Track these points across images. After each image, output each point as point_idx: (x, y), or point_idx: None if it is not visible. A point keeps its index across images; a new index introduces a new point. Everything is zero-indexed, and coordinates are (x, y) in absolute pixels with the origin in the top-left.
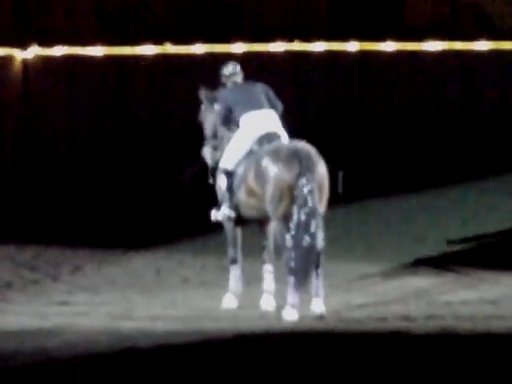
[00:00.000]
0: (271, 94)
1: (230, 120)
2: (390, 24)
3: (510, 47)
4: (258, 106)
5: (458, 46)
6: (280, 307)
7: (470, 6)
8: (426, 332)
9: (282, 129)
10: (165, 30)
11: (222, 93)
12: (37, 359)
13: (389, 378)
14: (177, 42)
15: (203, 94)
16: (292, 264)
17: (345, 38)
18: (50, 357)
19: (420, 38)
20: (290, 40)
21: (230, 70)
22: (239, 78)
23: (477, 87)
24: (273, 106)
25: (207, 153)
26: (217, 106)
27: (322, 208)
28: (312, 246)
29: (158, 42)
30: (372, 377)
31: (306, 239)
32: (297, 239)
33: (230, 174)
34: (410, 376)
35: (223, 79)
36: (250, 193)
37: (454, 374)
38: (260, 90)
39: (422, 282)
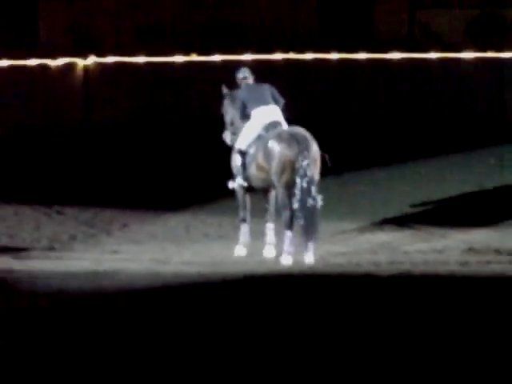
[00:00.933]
0: (275, 92)
1: (245, 113)
2: (362, 38)
3: (455, 56)
4: (266, 103)
5: (414, 55)
6: (278, 255)
7: (424, 25)
8: (389, 274)
9: (283, 119)
10: (191, 44)
11: (238, 93)
12: (95, 295)
13: (362, 308)
14: (200, 53)
15: (224, 91)
16: (301, 222)
17: (328, 49)
18: (104, 293)
19: (385, 49)
20: (286, 51)
21: (243, 73)
22: (251, 80)
23: (427, 86)
24: (276, 102)
25: (227, 136)
26: (235, 103)
27: (317, 177)
28: (314, 206)
29: (186, 53)
30: (349, 308)
31: (310, 201)
32: (302, 202)
33: (243, 153)
34: (377, 307)
35: (238, 80)
36: (259, 168)
37: (410, 306)
38: (267, 89)
39: (388, 236)
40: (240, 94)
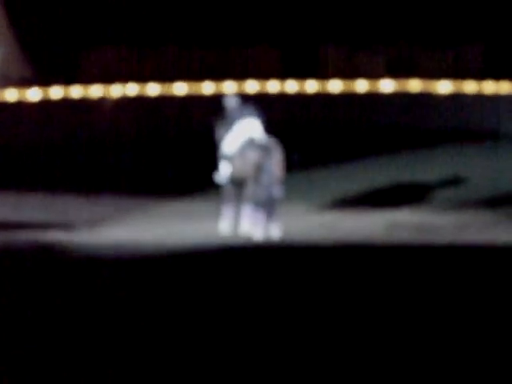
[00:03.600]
0: (255, 111)
1: (232, 126)
2: (311, 73)
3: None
4: (248, 117)
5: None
6: (252, 230)
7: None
8: (332, 244)
9: (260, 129)
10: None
11: (228, 113)
12: (121, 259)
13: (311, 267)
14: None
15: (215, 121)
16: (265, 206)
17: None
18: (129, 257)
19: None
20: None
21: (231, 99)
22: (236, 104)
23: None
24: (256, 117)
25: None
26: (225, 123)
27: (278, 175)
28: (274, 197)
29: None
30: (303, 267)
31: (271, 193)
32: (266, 193)
33: (227, 155)
34: (323, 267)
35: (227, 104)
36: (237, 166)
37: (346, 267)
38: (250, 109)
39: (332, 216)
40: (229, 114)
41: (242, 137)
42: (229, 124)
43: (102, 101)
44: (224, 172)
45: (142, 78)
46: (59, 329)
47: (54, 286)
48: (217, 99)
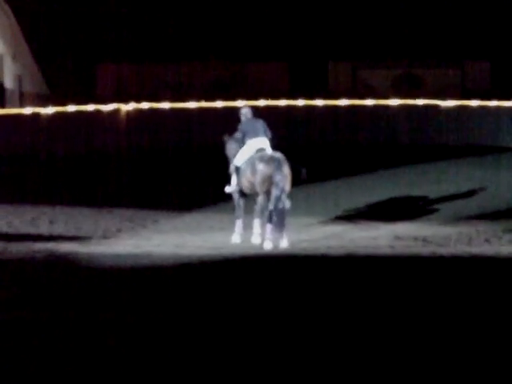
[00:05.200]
0: (266, 126)
1: (243, 140)
2: (319, 90)
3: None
4: (258, 135)
5: (356, 102)
6: (262, 241)
7: (362, 80)
8: (339, 254)
9: (269, 146)
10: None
11: (241, 125)
12: (135, 269)
13: (319, 276)
14: (207, 100)
15: (225, 139)
16: (274, 218)
17: (296, 97)
18: (142, 267)
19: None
20: (267, 98)
21: (245, 110)
22: (250, 115)
23: (365, 123)
24: (266, 135)
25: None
26: (236, 137)
27: (287, 188)
28: (283, 209)
29: (197, 100)
30: (310, 277)
31: (281, 205)
32: (276, 205)
33: (238, 168)
34: (330, 276)
35: (241, 116)
36: (248, 180)
37: (354, 277)
38: (260, 124)
39: (338, 228)
40: (241, 126)
41: (253, 150)
42: (239, 138)
43: (115, 115)
44: (235, 185)
45: (154, 94)
46: (76, 340)
47: (69, 296)
48: (227, 114)
